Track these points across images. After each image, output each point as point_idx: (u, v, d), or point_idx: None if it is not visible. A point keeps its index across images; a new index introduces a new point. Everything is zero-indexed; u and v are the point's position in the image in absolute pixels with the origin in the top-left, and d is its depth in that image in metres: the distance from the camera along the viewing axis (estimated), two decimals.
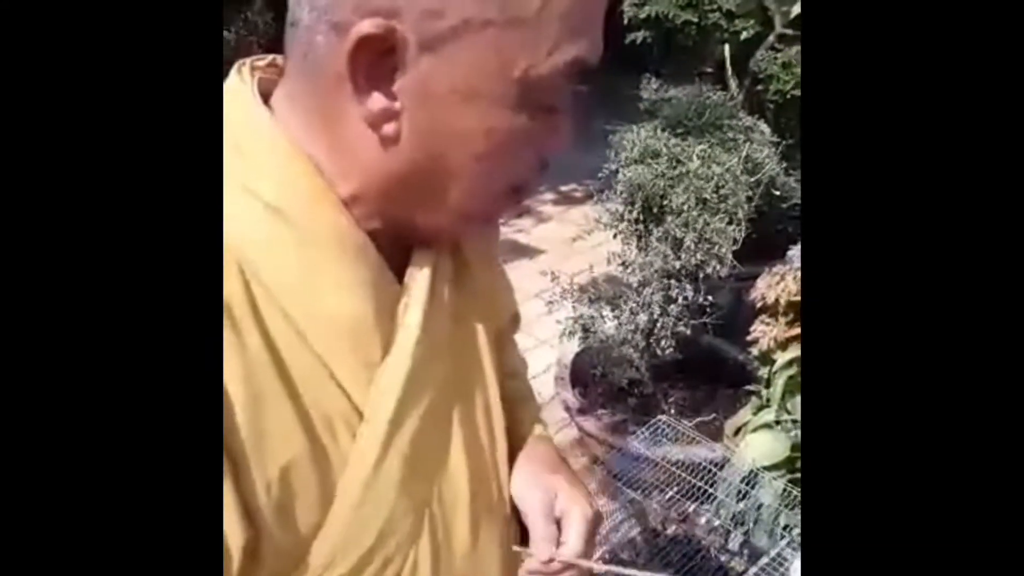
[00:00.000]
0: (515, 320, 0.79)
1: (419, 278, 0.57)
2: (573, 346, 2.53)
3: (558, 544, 0.62)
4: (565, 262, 2.99)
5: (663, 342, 2.30)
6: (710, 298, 2.34)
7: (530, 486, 0.66)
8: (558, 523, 0.64)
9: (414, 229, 0.57)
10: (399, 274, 0.57)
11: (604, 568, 0.65)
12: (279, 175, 0.52)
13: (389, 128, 0.50)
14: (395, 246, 0.57)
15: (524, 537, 0.71)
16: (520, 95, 0.50)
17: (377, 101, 0.49)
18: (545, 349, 2.75)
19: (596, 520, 0.64)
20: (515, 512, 0.68)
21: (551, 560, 0.61)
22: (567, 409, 2.42)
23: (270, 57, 0.58)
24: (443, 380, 0.58)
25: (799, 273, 1.94)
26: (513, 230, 3.91)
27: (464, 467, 0.59)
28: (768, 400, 2.03)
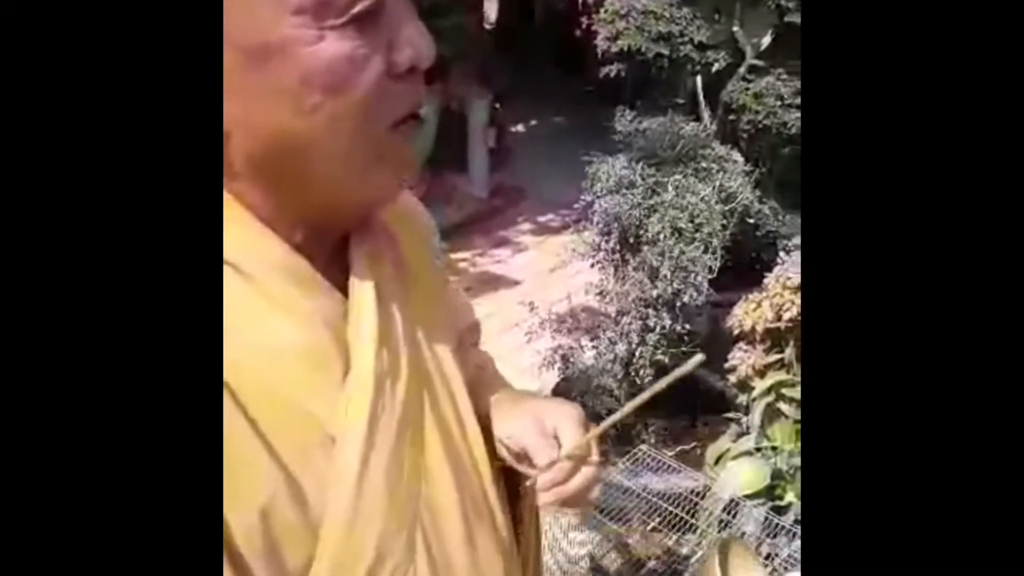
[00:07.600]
0: (474, 329, 0.77)
1: (363, 290, 0.55)
2: (552, 377, 2.53)
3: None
4: (543, 292, 2.99)
5: (642, 371, 2.31)
6: (687, 326, 2.36)
7: (514, 418, 0.65)
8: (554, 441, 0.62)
9: (330, 227, 0.55)
10: (340, 290, 0.55)
11: (603, 428, 0.63)
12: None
13: None
14: (329, 264, 0.55)
15: (517, 522, 0.70)
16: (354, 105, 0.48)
17: None
18: (524, 380, 2.74)
19: (585, 421, 0.63)
20: (508, 479, 0.66)
21: (553, 463, 0.60)
22: None
23: None
24: (409, 388, 0.56)
25: (775, 300, 1.96)
26: (491, 261, 3.91)
27: (447, 472, 0.58)
28: (747, 427, 2.04)
